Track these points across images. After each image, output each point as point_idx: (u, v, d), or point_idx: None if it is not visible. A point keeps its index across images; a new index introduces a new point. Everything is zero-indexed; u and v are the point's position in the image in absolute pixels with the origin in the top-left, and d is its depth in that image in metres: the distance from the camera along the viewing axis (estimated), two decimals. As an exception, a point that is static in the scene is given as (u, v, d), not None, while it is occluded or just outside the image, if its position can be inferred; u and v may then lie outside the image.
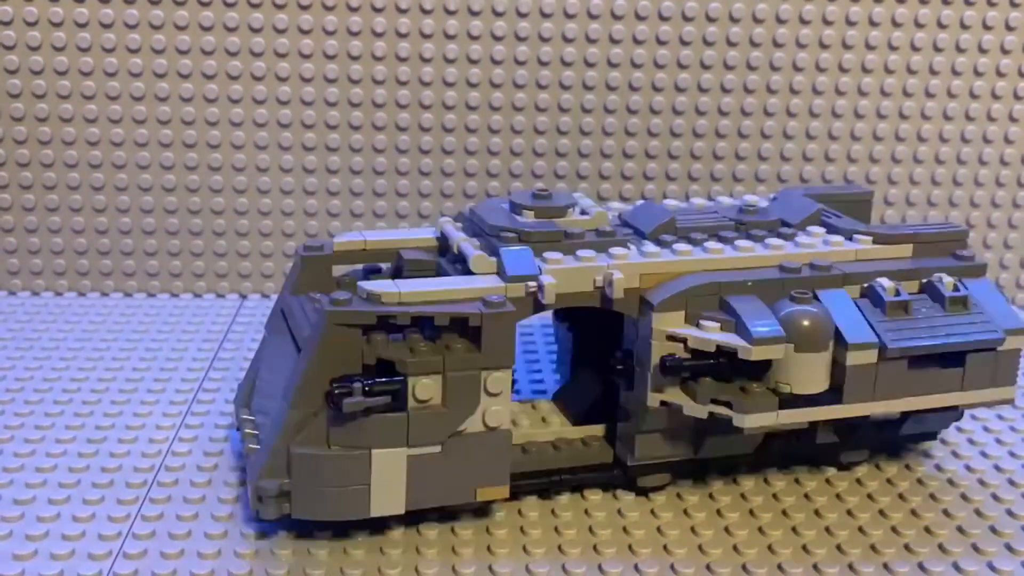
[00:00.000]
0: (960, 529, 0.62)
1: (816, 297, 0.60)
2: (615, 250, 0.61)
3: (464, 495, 0.58)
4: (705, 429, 0.61)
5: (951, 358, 0.61)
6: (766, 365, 0.58)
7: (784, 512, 0.63)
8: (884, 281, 0.61)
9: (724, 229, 0.66)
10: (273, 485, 0.56)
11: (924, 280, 0.63)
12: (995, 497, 0.65)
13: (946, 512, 0.63)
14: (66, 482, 0.64)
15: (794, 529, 0.61)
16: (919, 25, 0.94)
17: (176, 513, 0.61)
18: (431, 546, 0.59)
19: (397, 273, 0.65)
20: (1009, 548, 0.60)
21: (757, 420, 0.58)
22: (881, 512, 0.63)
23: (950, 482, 0.67)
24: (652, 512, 0.62)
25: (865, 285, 0.61)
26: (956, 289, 0.62)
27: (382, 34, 0.91)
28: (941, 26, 0.94)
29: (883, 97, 0.95)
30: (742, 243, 0.63)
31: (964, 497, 0.65)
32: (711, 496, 0.64)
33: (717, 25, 0.92)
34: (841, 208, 0.71)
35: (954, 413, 0.66)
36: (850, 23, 0.93)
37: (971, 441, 0.72)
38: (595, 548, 0.59)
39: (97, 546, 0.58)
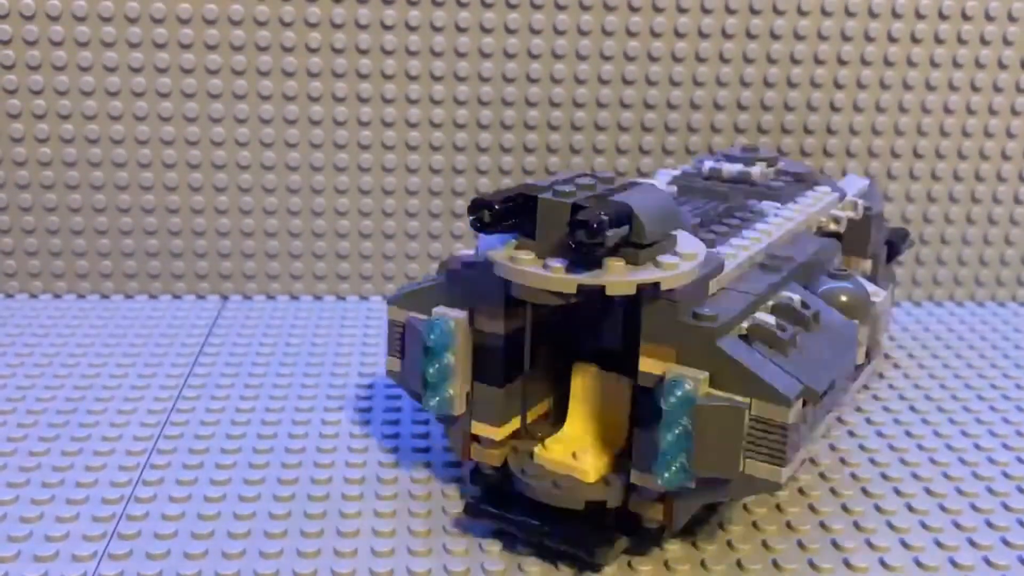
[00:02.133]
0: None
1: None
2: None
3: None
4: None
5: None
6: None
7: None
8: (765, 317, 0.59)
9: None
10: None
11: (774, 303, 0.62)
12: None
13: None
14: (49, 481, 0.67)
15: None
16: (920, 16, 0.97)
17: (162, 512, 0.64)
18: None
19: None
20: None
21: None
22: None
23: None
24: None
25: (745, 325, 0.59)
26: (806, 307, 0.62)
27: (366, 26, 0.94)
28: (943, 17, 0.97)
29: (883, 90, 0.99)
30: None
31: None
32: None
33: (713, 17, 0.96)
34: None
35: None
36: (849, 14, 0.97)
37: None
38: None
39: (81, 547, 0.61)
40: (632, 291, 0.55)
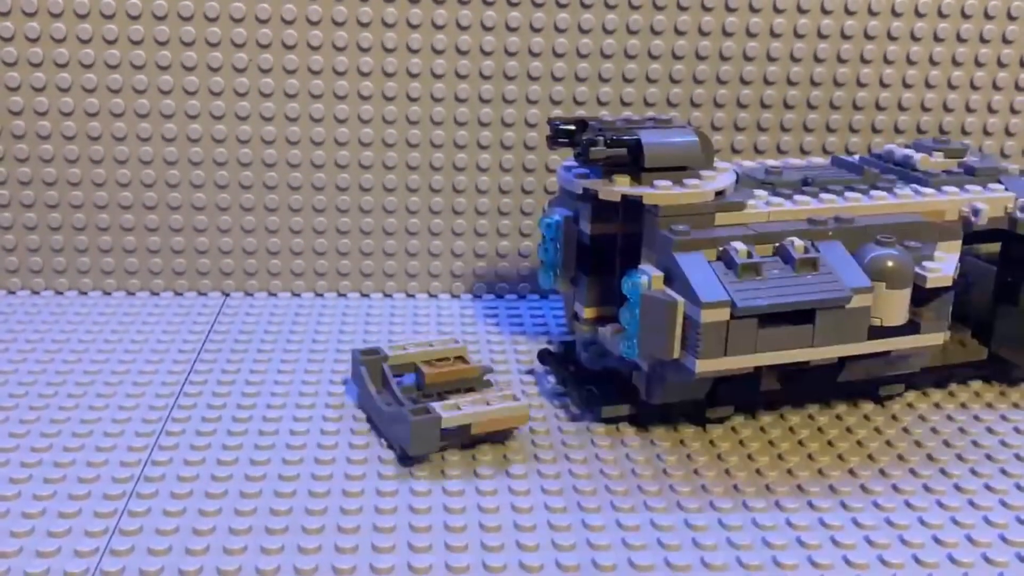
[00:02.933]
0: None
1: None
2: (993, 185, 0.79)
3: None
4: None
5: (802, 315, 0.68)
6: None
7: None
8: (738, 245, 0.68)
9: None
10: None
11: (777, 244, 0.70)
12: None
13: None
14: (52, 477, 0.67)
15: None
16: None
17: (163, 508, 0.64)
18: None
19: None
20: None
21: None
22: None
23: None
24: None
25: (720, 249, 0.69)
26: (806, 251, 0.69)
27: (367, 24, 0.94)
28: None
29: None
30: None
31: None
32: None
33: None
34: None
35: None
36: (849, 12, 0.97)
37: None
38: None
39: (84, 542, 0.61)
40: (617, 198, 0.72)
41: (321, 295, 1.00)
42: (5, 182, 0.96)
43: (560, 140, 0.75)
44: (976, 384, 0.83)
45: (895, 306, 0.71)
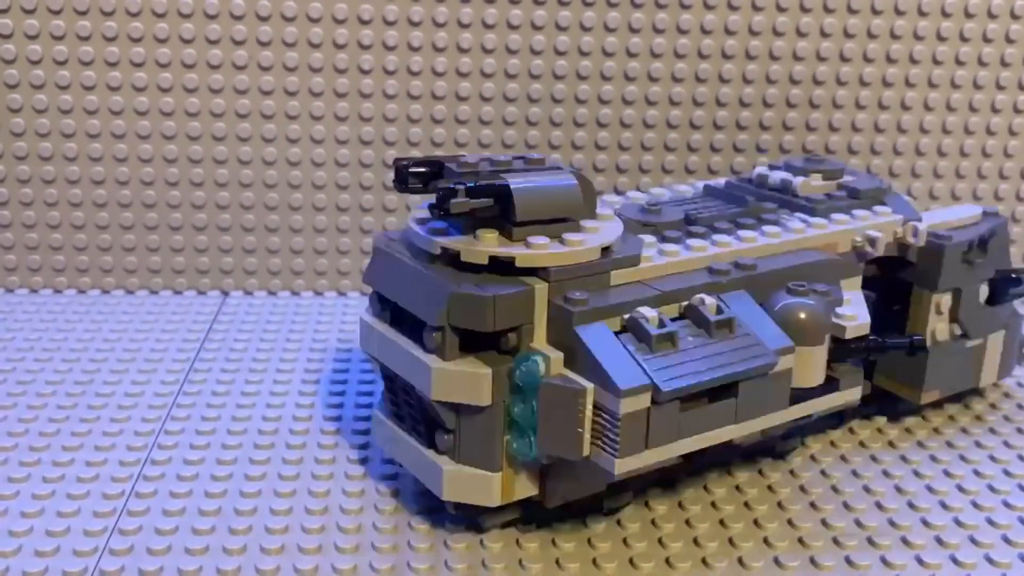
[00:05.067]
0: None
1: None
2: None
3: None
4: None
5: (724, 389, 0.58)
6: None
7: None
8: (646, 311, 0.58)
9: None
10: None
11: (684, 303, 0.60)
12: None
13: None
14: (50, 476, 0.67)
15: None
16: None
17: (163, 508, 0.64)
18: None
19: None
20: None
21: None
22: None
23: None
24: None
25: (626, 317, 0.59)
26: (719, 311, 0.60)
27: (368, 22, 0.94)
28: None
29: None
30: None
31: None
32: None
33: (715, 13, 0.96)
34: None
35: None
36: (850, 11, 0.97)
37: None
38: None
39: (83, 542, 0.61)
40: (484, 261, 0.58)
41: (321, 294, 1.00)
42: (4, 180, 0.96)
43: (410, 186, 0.62)
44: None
45: (814, 365, 0.63)
